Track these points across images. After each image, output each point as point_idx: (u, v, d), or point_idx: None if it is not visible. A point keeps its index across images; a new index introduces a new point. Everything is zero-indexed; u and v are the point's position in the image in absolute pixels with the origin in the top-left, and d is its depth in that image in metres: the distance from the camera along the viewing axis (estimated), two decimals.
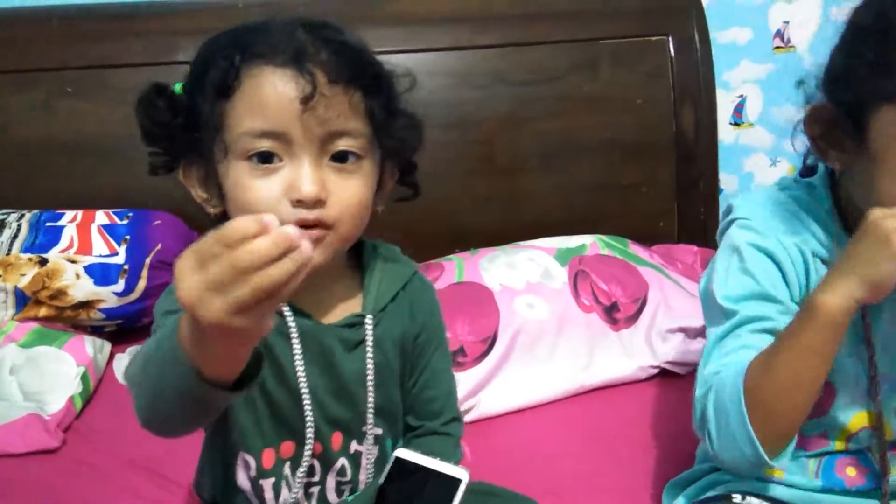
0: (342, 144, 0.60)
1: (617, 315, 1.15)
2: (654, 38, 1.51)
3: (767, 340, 0.62)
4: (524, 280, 1.16)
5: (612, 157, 1.49)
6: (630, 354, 1.12)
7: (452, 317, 1.11)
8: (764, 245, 0.66)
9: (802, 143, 0.68)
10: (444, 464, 0.64)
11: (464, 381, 1.04)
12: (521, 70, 1.44)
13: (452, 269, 1.21)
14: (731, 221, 0.70)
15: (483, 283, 1.16)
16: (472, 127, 1.42)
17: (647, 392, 1.08)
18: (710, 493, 0.74)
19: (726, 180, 1.73)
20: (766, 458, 0.59)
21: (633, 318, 1.15)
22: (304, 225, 0.57)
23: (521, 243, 1.29)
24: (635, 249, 1.30)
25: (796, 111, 1.64)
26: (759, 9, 1.64)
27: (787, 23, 1.66)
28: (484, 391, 1.06)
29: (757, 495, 0.70)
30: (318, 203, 0.58)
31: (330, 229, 0.60)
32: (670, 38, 1.49)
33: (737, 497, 0.69)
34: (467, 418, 1.04)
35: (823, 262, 0.66)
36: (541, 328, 1.11)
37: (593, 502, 0.86)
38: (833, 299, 0.57)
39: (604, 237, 1.32)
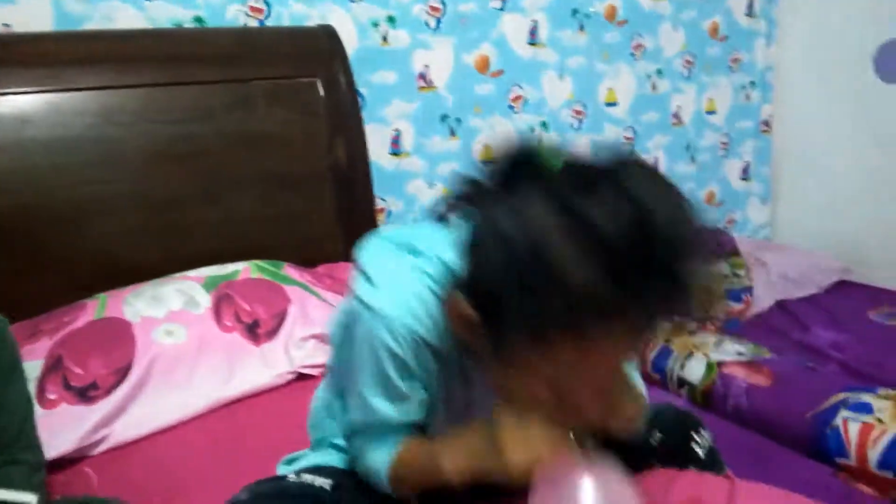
0: None
1: (258, 331, 1.26)
2: (304, 80, 1.67)
3: (402, 435, 0.75)
4: (166, 310, 1.22)
5: (273, 189, 1.61)
6: (269, 365, 1.23)
7: (86, 354, 1.13)
8: (401, 353, 0.69)
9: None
10: (11, 492, 0.68)
11: (95, 413, 1.07)
12: (173, 109, 1.50)
13: (94, 308, 1.22)
14: (379, 318, 0.68)
15: (123, 318, 1.19)
16: (122, 165, 1.44)
17: (283, 395, 1.20)
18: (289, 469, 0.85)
19: (393, 203, 1.96)
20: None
21: (273, 332, 1.27)
22: None
23: (175, 275, 1.35)
24: (288, 271, 1.43)
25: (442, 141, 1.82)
26: (402, 53, 1.90)
27: (427, 66, 1.94)
28: (118, 420, 1.09)
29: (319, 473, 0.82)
30: None
31: None
32: (319, 81, 1.67)
33: (292, 476, 0.80)
34: (101, 448, 1.07)
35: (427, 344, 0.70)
36: (179, 353, 1.17)
37: (208, 496, 0.93)
38: (453, 470, 0.68)
39: (259, 262, 1.43)
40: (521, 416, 0.65)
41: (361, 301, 0.70)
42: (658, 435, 0.89)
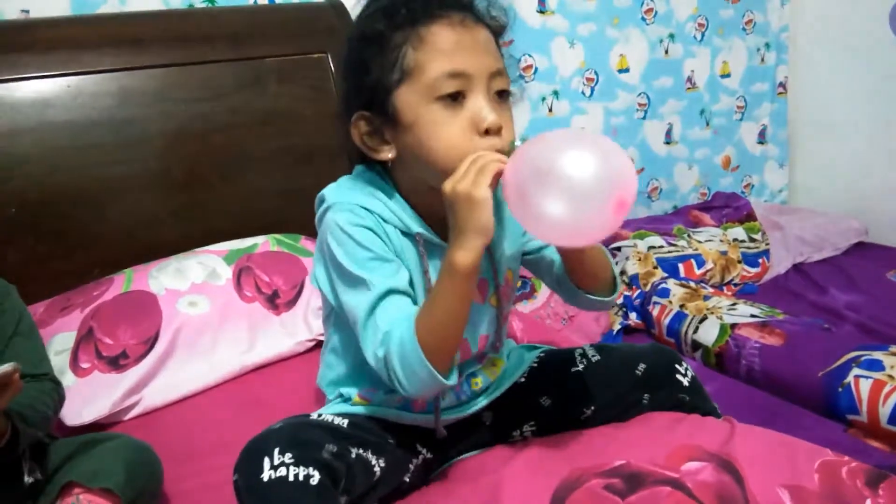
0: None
1: (278, 301, 1.30)
2: (314, 56, 1.69)
3: (407, 301, 0.78)
4: (189, 282, 1.27)
5: (288, 164, 1.64)
6: (290, 333, 1.28)
7: (115, 325, 1.19)
8: (360, 222, 0.80)
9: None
10: None
11: (126, 380, 1.13)
12: (188, 88, 1.53)
13: (121, 282, 1.28)
14: (328, 209, 0.82)
15: (149, 290, 1.24)
16: (142, 144, 1.48)
17: (303, 361, 1.25)
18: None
19: None
20: (444, 381, 0.75)
21: (293, 301, 1.31)
22: None
23: (197, 250, 1.39)
24: (305, 243, 1.47)
25: None
26: None
27: None
28: (148, 387, 1.15)
29: (337, 415, 0.87)
30: None
31: None
32: (329, 55, 1.69)
33: (314, 415, 0.86)
34: (132, 413, 1.13)
35: (396, 228, 0.82)
36: (203, 322, 1.22)
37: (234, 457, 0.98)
38: (463, 255, 0.73)
39: (277, 236, 1.47)
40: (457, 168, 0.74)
41: (320, 215, 0.83)
42: (642, 366, 0.96)
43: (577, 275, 0.89)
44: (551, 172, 0.67)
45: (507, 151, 0.75)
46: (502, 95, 0.79)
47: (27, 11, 1.48)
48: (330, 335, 0.93)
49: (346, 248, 0.78)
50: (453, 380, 0.77)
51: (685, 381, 0.97)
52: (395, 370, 0.74)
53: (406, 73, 0.76)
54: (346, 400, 0.91)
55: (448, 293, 0.75)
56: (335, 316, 0.90)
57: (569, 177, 0.67)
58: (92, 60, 1.46)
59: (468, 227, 0.72)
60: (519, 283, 1.86)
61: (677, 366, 0.98)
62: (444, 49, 0.76)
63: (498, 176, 0.73)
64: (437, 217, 0.80)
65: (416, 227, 0.82)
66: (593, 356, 0.99)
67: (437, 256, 0.82)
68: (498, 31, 0.82)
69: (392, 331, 0.75)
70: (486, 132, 0.76)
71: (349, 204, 0.80)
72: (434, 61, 0.75)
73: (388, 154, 0.80)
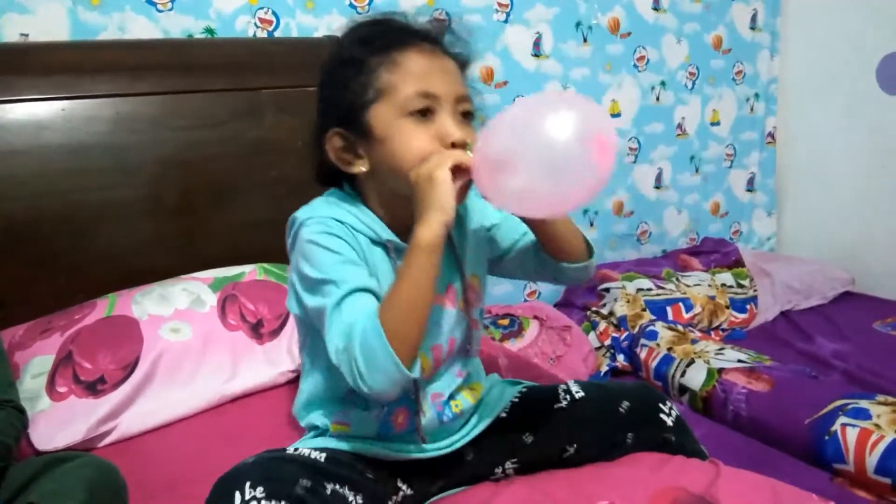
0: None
1: (262, 330, 1.29)
2: (311, 89, 1.70)
3: (374, 299, 0.78)
4: (172, 308, 1.26)
5: (281, 194, 1.64)
6: (273, 363, 1.26)
7: (95, 349, 1.16)
8: (331, 231, 0.83)
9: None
10: None
11: (102, 406, 1.11)
12: (183, 116, 1.54)
13: (104, 306, 1.26)
14: (300, 226, 0.85)
15: (131, 315, 1.23)
16: (134, 170, 1.48)
17: (284, 392, 1.23)
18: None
19: None
20: (407, 372, 0.74)
21: (277, 331, 1.30)
22: None
23: (183, 276, 1.38)
24: None
25: None
26: None
27: None
28: (125, 414, 1.12)
29: (315, 449, 0.86)
30: None
31: None
32: None
33: (290, 449, 0.85)
34: (107, 440, 1.10)
35: (366, 237, 0.86)
36: (185, 349, 1.20)
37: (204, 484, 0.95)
38: (425, 230, 0.77)
39: (265, 265, 1.47)
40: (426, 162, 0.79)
41: (293, 235, 0.86)
42: (626, 404, 0.97)
43: (553, 249, 0.93)
44: (517, 148, 0.71)
45: None
46: (467, 116, 0.85)
47: (26, 35, 1.49)
48: (304, 361, 0.94)
49: (315, 258, 0.81)
50: (416, 372, 0.76)
51: (669, 421, 0.97)
52: (356, 360, 0.73)
53: (380, 93, 0.82)
54: (323, 432, 0.90)
55: (412, 270, 0.77)
56: (310, 341, 0.91)
57: (537, 145, 0.70)
58: (88, 85, 1.47)
59: (430, 205, 0.77)
60: (507, 322, 1.85)
61: (661, 405, 0.98)
62: (415, 72, 0.82)
63: (461, 170, 0.78)
64: (406, 227, 0.83)
65: (386, 234, 0.86)
66: (577, 392, 0.99)
67: None
68: (464, 64, 0.90)
69: (356, 322, 0.75)
70: (453, 146, 0.81)
71: (320, 217, 0.84)
72: (406, 82, 0.82)
73: (361, 167, 0.86)
